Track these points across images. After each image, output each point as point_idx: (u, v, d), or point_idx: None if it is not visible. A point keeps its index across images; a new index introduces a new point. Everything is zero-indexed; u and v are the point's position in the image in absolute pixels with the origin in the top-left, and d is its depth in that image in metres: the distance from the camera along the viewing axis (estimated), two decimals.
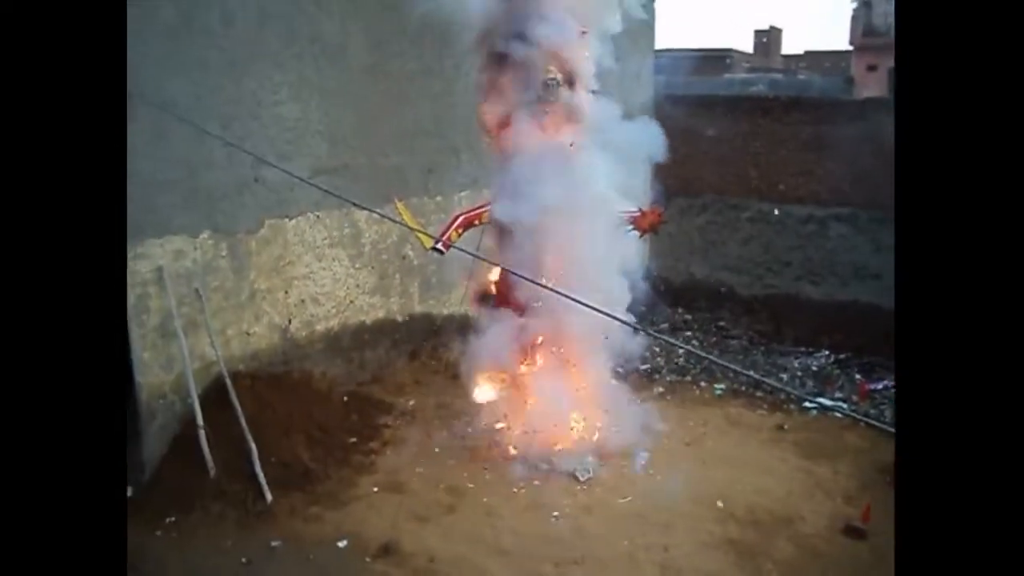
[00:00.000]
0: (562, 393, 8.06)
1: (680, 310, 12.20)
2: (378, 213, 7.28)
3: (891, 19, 28.72)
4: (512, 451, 7.88)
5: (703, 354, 6.62)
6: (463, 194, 9.82)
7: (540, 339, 8.02)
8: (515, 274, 5.06)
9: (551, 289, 5.33)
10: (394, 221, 7.98)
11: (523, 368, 8.16)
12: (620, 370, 8.72)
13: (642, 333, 8.69)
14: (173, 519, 6.60)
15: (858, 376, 10.10)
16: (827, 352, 10.77)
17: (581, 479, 7.47)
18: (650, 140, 8.24)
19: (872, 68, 28.82)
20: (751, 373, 6.77)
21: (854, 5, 31.02)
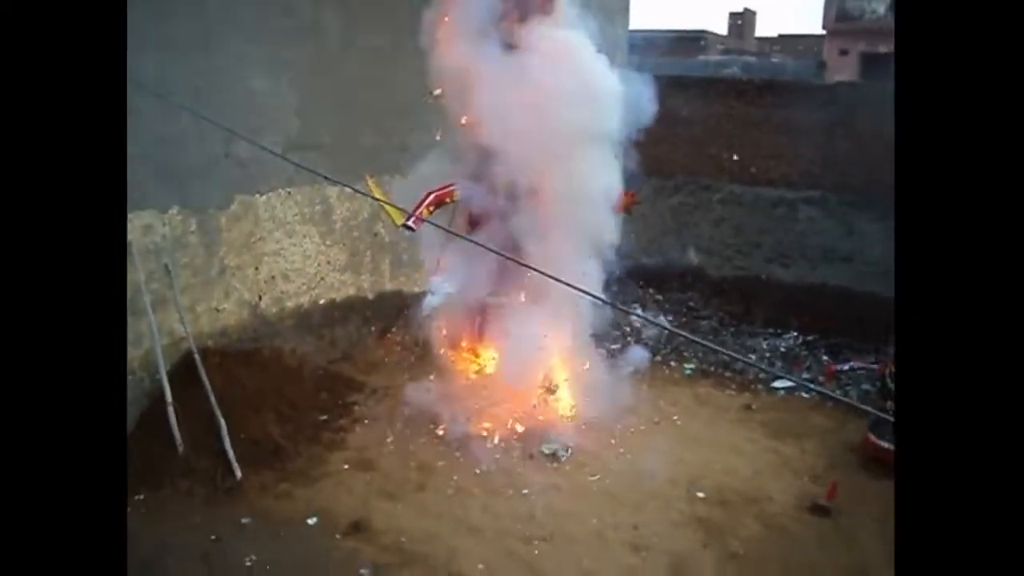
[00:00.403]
0: (533, 370, 8.10)
1: (651, 290, 12.25)
2: (351, 188, 7.24)
3: (865, 5, 28.87)
4: (483, 429, 7.91)
5: (677, 331, 6.67)
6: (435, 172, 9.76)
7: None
8: (489, 249, 5.04)
9: (528, 266, 5.32)
10: (367, 195, 7.93)
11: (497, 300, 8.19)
12: (590, 348, 8.75)
13: (613, 310, 8.76)
14: (141, 496, 6.55)
15: (825, 357, 10.22)
16: (795, 333, 10.87)
17: (555, 457, 7.51)
18: (637, 86, 8.16)
19: (844, 52, 28.97)
20: (726, 351, 6.83)
21: None
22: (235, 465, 6.88)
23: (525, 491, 6.99)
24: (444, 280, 8.01)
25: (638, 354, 9.81)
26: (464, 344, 8.61)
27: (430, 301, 8.16)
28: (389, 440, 7.74)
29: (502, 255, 4.82)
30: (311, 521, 6.42)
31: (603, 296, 6.88)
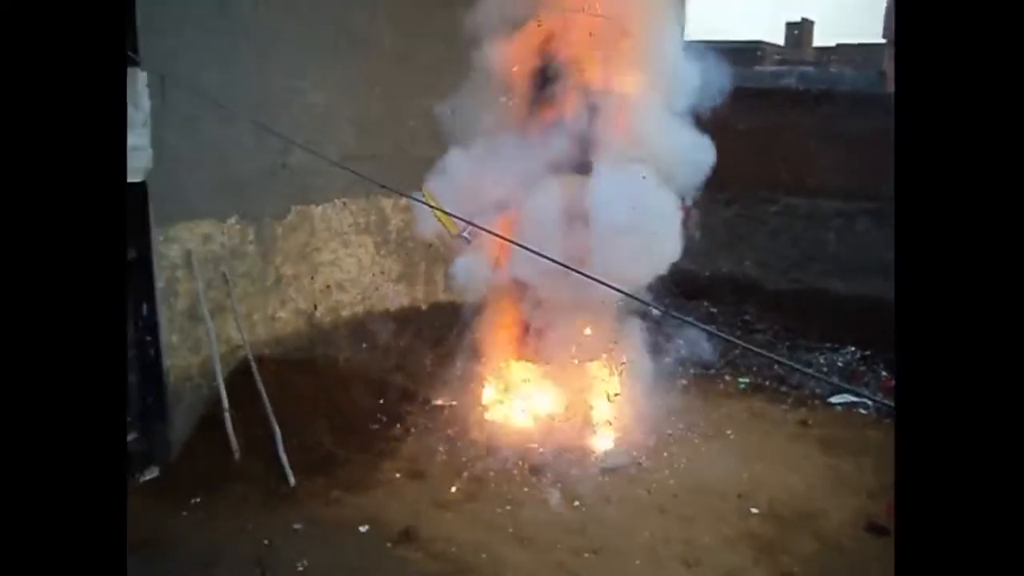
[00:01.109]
0: (586, 383, 8.07)
1: (706, 303, 12.12)
2: (408, 196, 7.30)
3: None
4: (534, 439, 7.89)
5: (735, 340, 6.59)
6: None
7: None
8: (545, 257, 4.97)
9: (583, 273, 5.27)
10: (424, 203, 7.96)
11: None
12: (645, 359, 8.67)
13: (668, 322, 8.68)
14: (198, 500, 6.68)
15: (884, 372, 10.01)
16: (853, 348, 10.67)
17: (607, 469, 7.47)
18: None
19: None
20: (783, 360, 6.71)
21: None
22: (289, 471, 6.97)
23: (576, 503, 6.96)
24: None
25: (691, 368, 9.72)
26: (516, 354, 8.60)
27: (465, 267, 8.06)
28: (441, 450, 7.77)
29: (557, 263, 4.77)
30: (363, 528, 6.46)
31: (658, 306, 6.82)
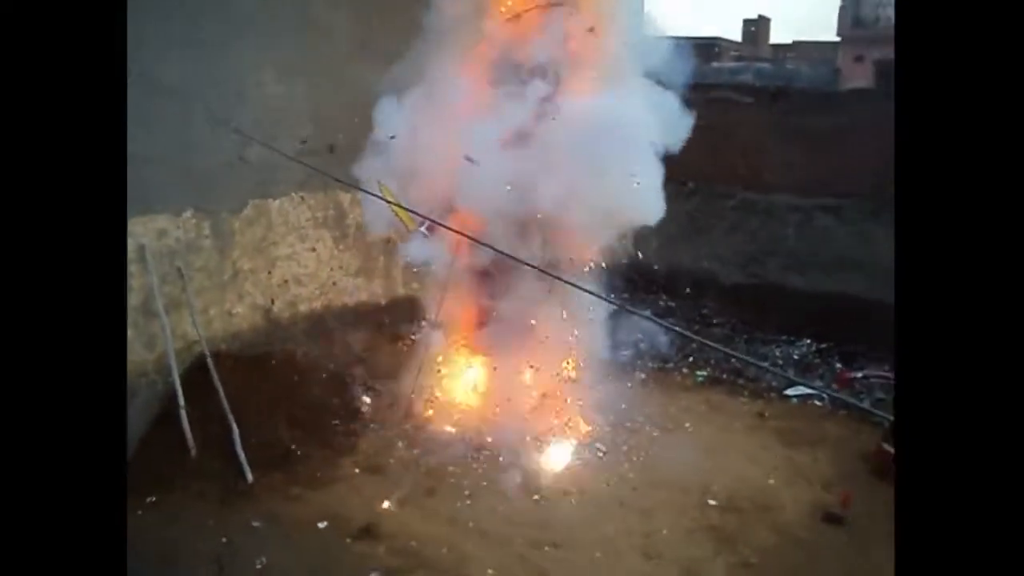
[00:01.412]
0: (544, 376, 8.08)
1: (664, 297, 12.21)
2: (365, 191, 7.25)
3: (880, 11, 28.78)
4: (493, 433, 7.88)
5: (690, 335, 6.63)
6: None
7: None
8: (504, 254, 4.96)
9: (538, 268, 5.28)
10: (382, 199, 7.91)
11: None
12: (602, 353, 8.71)
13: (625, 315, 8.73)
14: (154, 499, 6.56)
15: (839, 365, 10.16)
16: (809, 341, 10.81)
17: (567, 463, 7.49)
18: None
19: (859, 59, 28.85)
20: (738, 355, 6.80)
21: None
22: (247, 468, 6.89)
23: (536, 496, 6.98)
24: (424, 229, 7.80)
25: (650, 361, 9.78)
26: (474, 348, 8.60)
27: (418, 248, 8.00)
28: (400, 444, 7.74)
29: (511, 256, 4.77)
30: (322, 525, 6.42)
31: (615, 300, 6.85)
